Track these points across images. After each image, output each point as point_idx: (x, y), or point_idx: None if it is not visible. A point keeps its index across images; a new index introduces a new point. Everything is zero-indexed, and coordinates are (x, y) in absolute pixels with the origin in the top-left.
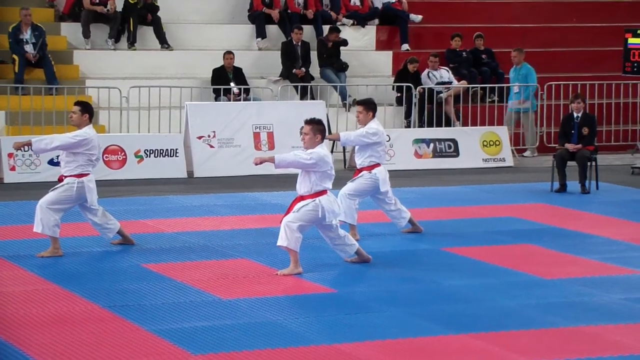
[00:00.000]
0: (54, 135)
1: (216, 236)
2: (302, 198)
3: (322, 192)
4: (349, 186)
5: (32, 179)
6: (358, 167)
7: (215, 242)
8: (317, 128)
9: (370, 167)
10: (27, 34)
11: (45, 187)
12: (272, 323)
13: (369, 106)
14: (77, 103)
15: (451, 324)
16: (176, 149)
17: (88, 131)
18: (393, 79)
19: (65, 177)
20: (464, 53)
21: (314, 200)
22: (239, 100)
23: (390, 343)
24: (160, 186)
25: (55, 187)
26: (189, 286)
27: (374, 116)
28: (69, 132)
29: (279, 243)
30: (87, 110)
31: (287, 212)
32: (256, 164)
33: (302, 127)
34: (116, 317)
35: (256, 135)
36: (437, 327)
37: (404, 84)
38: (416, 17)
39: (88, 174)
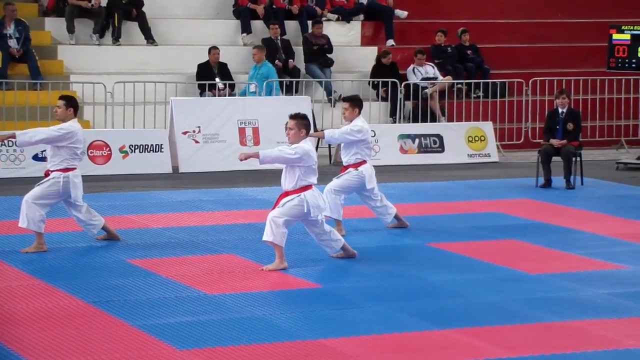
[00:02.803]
0: (38, 128)
1: (201, 231)
2: (287, 193)
3: (307, 187)
4: (335, 182)
5: (17, 174)
6: (344, 164)
7: (200, 238)
8: (301, 123)
9: (356, 165)
10: (10, 29)
11: (29, 182)
12: (258, 318)
13: (355, 103)
14: (61, 97)
15: (436, 319)
16: (161, 145)
17: (73, 124)
18: (370, 76)
19: (51, 171)
20: (449, 49)
21: (299, 196)
22: (224, 95)
23: (376, 338)
24: (145, 181)
25: (41, 182)
26: (174, 281)
27: (359, 113)
28: (53, 126)
29: (264, 238)
30: (72, 105)
31: (273, 208)
32: (241, 160)
33: (287, 122)
34: (101, 312)
35: (241, 131)
36: (423, 323)
37: (389, 80)
38: (402, 13)
39: (74, 168)
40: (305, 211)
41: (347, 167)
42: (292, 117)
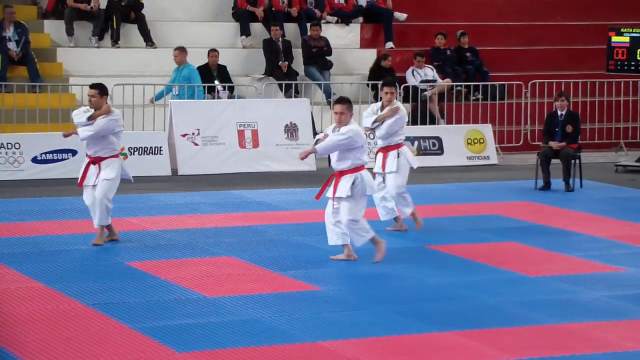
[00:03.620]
0: (95, 122)
1: (200, 234)
2: (342, 173)
3: (362, 167)
4: (395, 183)
5: (16, 176)
6: (385, 145)
7: (199, 240)
8: (349, 106)
9: (397, 146)
10: (10, 32)
11: (28, 185)
12: (257, 321)
13: (395, 87)
14: (93, 86)
15: (435, 321)
16: (160, 147)
17: (115, 110)
18: (368, 77)
19: (104, 158)
20: (448, 51)
21: (356, 177)
22: (224, 97)
23: (375, 341)
24: (145, 184)
25: (106, 178)
26: (174, 284)
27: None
28: (103, 114)
29: (358, 242)
30: (105, 92)
31: (323, 188)
32: (302, 159)
33: (333, 107)
34: (100, 315)
35: (240, 133)
36: (422, 325)
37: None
38: (401, 16)
39: (121, 149)
40: (364, 193)
41: (387, 149)
42: (340, 101)
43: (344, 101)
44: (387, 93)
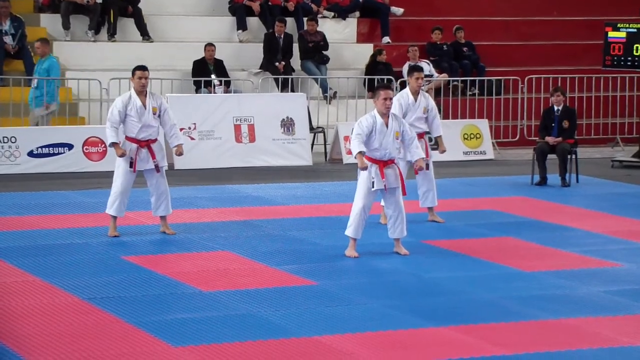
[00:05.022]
0: (169, 117)
1: (197, 228)
2: (392, 161)
3: None
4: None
5: (12, 170)
6: (435, 135)
7: (195, 234)
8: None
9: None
10: (6, 25)
11: (25, 178)
12: (253, 315)
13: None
14: (145, 68)
15: (431, 316)
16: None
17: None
18: (364, 73)
19: (155, 140)
20: (444, 46)
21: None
22: (221, 92)
23: (371, 335)
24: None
25: (162, 165)
26: (170, 278)
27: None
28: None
29: (403, 235)
30: None
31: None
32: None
33: (378, 93)
34: (96, 309)
35: (237, 127)
36: (418, 320)
37: (385, 77)
38: (397, 10)
39: None
40: None
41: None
42: (389, 87)
43: (390, 87)
44: (417, 79)
